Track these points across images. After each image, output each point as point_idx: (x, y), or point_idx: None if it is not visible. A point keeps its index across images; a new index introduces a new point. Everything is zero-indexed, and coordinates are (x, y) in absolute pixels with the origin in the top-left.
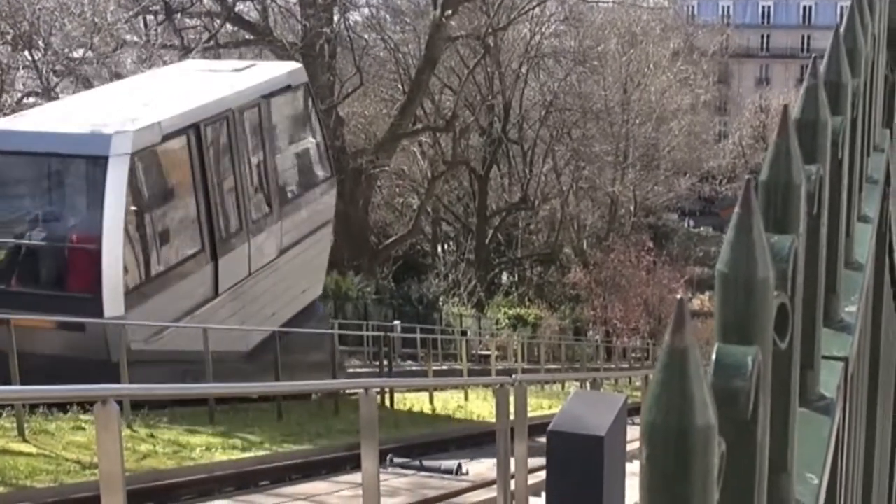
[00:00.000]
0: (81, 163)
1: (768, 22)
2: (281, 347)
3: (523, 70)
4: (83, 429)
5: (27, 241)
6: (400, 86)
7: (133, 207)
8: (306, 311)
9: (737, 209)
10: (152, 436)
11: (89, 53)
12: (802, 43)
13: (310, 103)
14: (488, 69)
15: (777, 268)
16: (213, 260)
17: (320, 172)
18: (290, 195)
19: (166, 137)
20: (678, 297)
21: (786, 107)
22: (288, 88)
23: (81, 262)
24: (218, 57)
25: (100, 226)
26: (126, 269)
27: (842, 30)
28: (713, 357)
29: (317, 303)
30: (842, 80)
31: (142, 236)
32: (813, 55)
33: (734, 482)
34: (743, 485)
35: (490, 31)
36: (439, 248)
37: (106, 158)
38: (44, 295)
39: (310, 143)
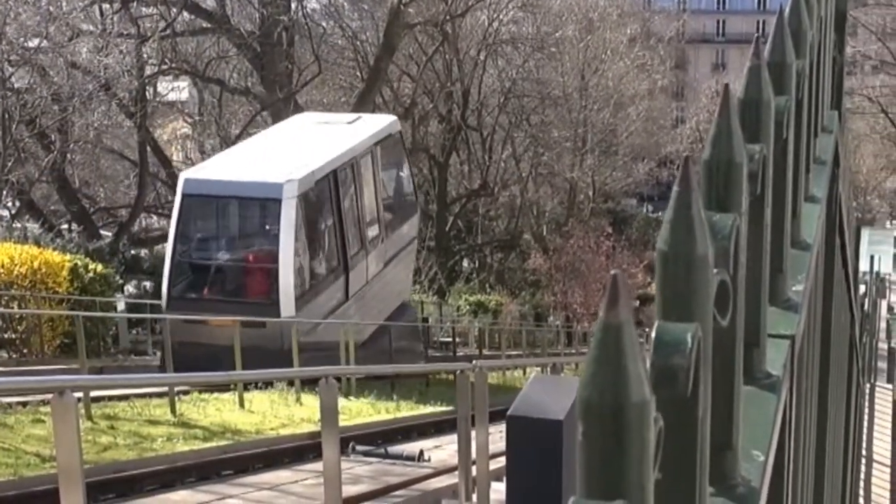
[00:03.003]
0: (261, 204)
1: (724, 8)
2: (384, 337)
3: (481, 57)
4: (43, 421)
5: (219, 262)
6: (358, 73)
7: (299, 235)
8: (400, 309)
9: (675, 187)
10: (113, 427)
11: (45, 43)
12: (758, 28)
13: (402, 146)
14: (447, 56)
15: (718, 245)
16: (345, 272)
17: (409, 199)
18: (390, 218)
19: (317, 182)
20: (612, 272)
21: (727, 86)
22: (389, 137)
23: (263, 277)
24: (175, 46)
25: (276, 250)
26: (295, 281)
27: (787, 11)
28: (653, 334)
29: (407, 302)
30: (786, 60)
31: (304, 256)
32: (756, 35)
33: (675, 459)
34: (684, 462)
35: (448, 18)
36: None
37: (280, 201)
38: (232, 301)
39: (402, 176)
